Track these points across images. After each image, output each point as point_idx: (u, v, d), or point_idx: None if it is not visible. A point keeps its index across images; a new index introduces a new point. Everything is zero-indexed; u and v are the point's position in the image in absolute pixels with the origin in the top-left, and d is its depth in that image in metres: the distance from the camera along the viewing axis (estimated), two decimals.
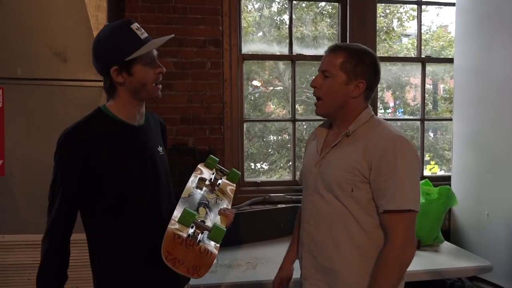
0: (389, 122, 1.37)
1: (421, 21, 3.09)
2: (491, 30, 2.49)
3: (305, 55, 2.89)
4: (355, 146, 1.31)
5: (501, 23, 2.41)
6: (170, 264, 1.16)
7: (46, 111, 2.07)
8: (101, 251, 1.33)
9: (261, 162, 4.71)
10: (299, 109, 4.66)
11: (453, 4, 2.88)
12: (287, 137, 4.96)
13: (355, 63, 1.31)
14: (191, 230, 1.21)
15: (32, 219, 2.07)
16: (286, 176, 4.57)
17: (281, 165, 4.85)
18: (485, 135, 2.54)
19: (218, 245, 1.24)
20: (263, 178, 3.89)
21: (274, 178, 4.36)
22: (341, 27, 2.90)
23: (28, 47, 2.05)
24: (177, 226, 1.21)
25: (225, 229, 1.26)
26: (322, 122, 1.51)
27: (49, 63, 2.07)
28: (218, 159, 1.58)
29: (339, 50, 1.34)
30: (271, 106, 4.95)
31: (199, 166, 1.54)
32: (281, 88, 4.79)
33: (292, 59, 2.86)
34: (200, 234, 1.22)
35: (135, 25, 1.29)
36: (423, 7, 3.11)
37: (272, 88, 4.86)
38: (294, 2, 2.93)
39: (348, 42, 2.83)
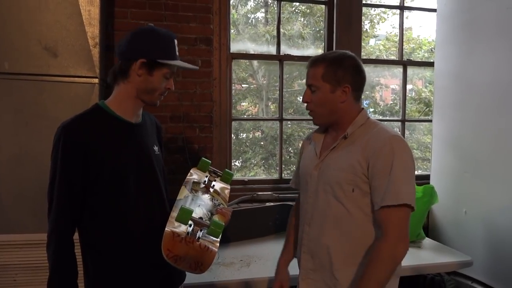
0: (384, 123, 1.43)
1: (402, 26, 3.20)
2: (472, 36, 2.61)
3: (293, 56, 2.92)
4: (353, 147, 1.35)
5: (481, 30, 2.53)
6: (171, 261, 1.18)
7: (35, 107, 2.02)
8: (94, 252, 1.32)
9: (234, 160, 4.73)
10: (272, 107, 4.72)
11: (434, 10, 3.00)
12: (260, 135, 5.01)
13: (335, 70, 1.35)
14: (189, 228, 1.23)
15: (18, 219, 2.02)
16: (262, 174, 4.62)
17: (255, 162, 4.89)
18: (464, 137, 2.67)
19: (217, 240, 1.26)
20: (238, 175, 3.91)
21: (251, 174, 4.39)
22: (327, 29, 2.96)
23: (17, 40, 1.99)
24: (175, 225, 1.23)
25: (223, 224, 1.29)
26: (311, 121, 1.54)
27: (38, 58, 2.01)
28: (210, 162, 1.60)
29: (318, 62, 1.38)
30: (242, 104, 4.98)
31: (191, 170, 1.56)
32: (255, 86, 4.83)
33: (280, 59, 2.90)
34: (199, 231, 1.23)
35: (176, 41, 1.38)
36: (394, 10, 3.21)
37: (247, 85, 4.89)
38: (278, 2, 2.94)
39: (334, 43, 2.90)
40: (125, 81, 1.33)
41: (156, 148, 1.46)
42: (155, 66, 1.31)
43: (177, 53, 1.37)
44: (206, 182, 1.53)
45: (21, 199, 2.01)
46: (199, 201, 1.43)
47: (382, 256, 1.24)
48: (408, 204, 1.25)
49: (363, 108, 1.43)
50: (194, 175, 1.54)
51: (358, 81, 1.39)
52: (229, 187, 1.61)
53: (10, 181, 2.01)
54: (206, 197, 1.48)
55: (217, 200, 1.50)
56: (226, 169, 1.63)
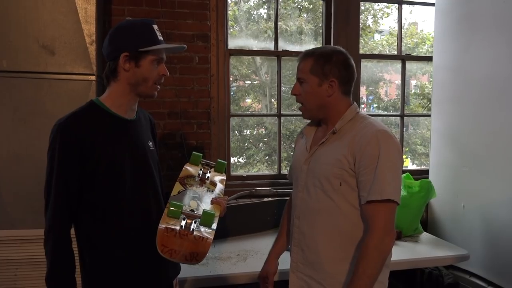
0: (374, 117, 1.43)
1: (401, 20, 3.18)
2: (470, 30, 2.59)
3: (291, 51, 2.92)
4: (341, 142, 1.37)
5: (479, 24, 2.51)
6: (167, 255, 1.20)
7: (33, 105, 2.05)
8: (90, 246, 1.34)
9: (238, 156, 4.74)
10: (275, 103, 4.72)
11: (432, 4, 2.99)
12: (264, 131, 5.01)
13: (323, 64, 1.38)
14: (183, 222, 1.25)
15: (18, 214, 2.05)
16: (265, 170, 4.63)
17: (258, 159, 4.90)
18: (462, 131, 2.66)
19: (213, 229, 1.28)
20: (241, 171, 3.92)
21: (254, 171, 4.40)
22: (325, 24, 2.96)
23: (14, 38, 2.01)
24: (169, 220, 1.24)
25: (214, 212, 1.31)
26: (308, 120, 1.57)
27: (36, 55, 2.04)
28: (201, 154, 1.61)
29: (308, 56, 1.42)
30: (246, 100, 4.98)
31: (185, 166, 1.57)
32: (258, 82, 4.83)
33: (278, 55, 2.90)
34: (193, 224, 1.26)
35: (155, 26, 1.36)
36: (398, 4, 3.20)
37: (250, 82, 4.89)
38: None
39: (332, 38, 2.90)
40: (116, 79, 1.34)
41: (150, 143, 1.47)
42: (139, 56, 1.31)
43: (159, 37, 1.35)
44: (200, 175, 1.55)
45: (20, 195, 2.04)
46: (194, 194, 1.44)
47: (370, 251, 1.26)
48: (393, 199, 1.27)
49: (353, 103, 1.44)
50: (188, 170, 1.56)
51: (345, 76, 1.40)
52: (224, 176, 1.63)
53: (9, 178, 2.04)
54: (202, 189, 1.50)
55: (212, 191, 1.52)
56: (219, 159, 1.65)
